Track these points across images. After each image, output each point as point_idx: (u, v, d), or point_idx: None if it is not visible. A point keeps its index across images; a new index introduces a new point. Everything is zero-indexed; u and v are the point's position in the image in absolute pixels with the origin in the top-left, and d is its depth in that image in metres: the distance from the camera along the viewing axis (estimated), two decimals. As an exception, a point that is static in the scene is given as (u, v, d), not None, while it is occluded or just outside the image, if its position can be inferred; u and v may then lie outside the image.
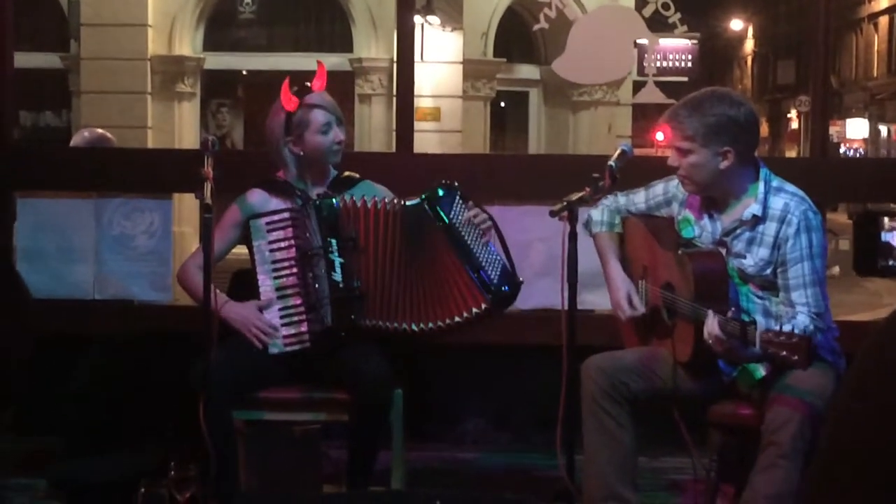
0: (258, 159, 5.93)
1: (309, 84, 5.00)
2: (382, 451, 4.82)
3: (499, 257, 4.87)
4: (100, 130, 7.51)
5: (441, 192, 4.91)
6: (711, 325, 4.22)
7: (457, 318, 4.82)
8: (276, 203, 4.97)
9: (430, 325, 4.84)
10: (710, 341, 4.24)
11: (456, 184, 4.94)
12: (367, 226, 4.88)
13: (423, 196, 4.93)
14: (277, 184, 5.03)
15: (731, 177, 4.54)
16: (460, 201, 4.90)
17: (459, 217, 4.87)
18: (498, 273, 4.82)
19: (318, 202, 4.91)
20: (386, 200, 4.94)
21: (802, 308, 4.41)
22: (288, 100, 4.95)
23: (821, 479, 1.59)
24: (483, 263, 4.82)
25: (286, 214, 4.91)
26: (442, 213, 4.87)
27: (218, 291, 4.67)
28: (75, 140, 7.40)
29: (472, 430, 6.41)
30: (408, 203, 4.93)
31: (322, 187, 5.03)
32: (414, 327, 4.85)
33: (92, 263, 6.26)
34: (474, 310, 4.80)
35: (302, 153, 4.96)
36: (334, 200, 4.92)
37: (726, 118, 4.48)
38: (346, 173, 5.14)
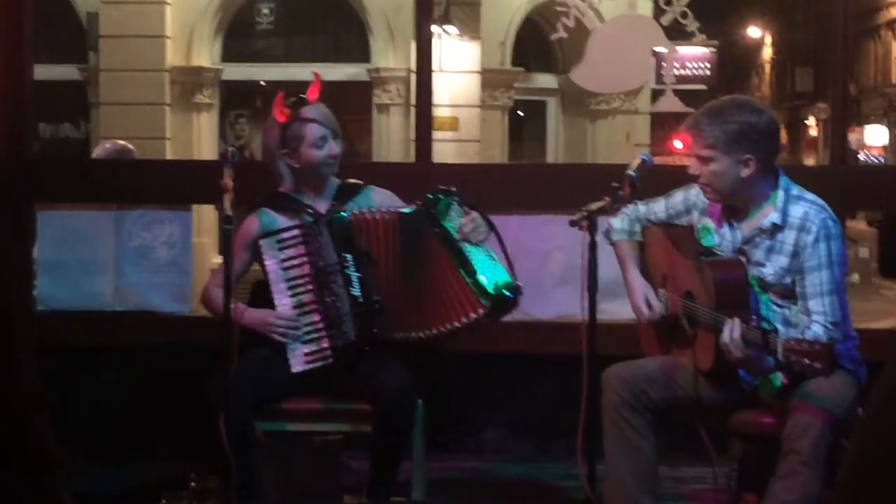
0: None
1: (304, 95, 5.00)
2: (403, 461, 4.82)
3: (497, 262, 4.85)
4: (121, 142, 7.53)
5: (438, 199, 4.90)
6: (734, 330, 4.22)
7: (456, 324, 4.80)
8: (283, 221, 4.95)
9: (432, 331, 4.83)
10: (730, 347, 4.23)
11: (454, 189, 4.93)
12: (374, 236, 4.88)
13: (421, 202, 4.93)
14: (283, 200, 5.02)
15: (752, 185, 4.53)
16: (457, 207, 4.89)
17: (456, 223, 4.86)
18: (495, 278, 4.80)
19: (329, 218, 4.91)
20: (383, 209, 4.93)
21: (819, 317, 4.39)
22: (279, 112, 4.95)
23: (848, 490, 1.58)
24: (480, 269, 4.80)
25: (296, 232, 4.89)
26: (439, 219, 4.86)
27: (238, 303, 4.69)
28: (97, 152, 7.43)
29: (492, 439, 6.40)
30: (405, 210, 4.93)
31: (323, 198, 5.02)
32: (419, 335, 4.85)
33: (112, 275, 6.27)
34: (472, 315, 4.78)
35: (297, 166, 4.96)
36: (344, 214, 4.91)
37: (748, 125, 4.47)
38: (350, 181, 5.13)
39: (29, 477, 1.59)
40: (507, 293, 4.79)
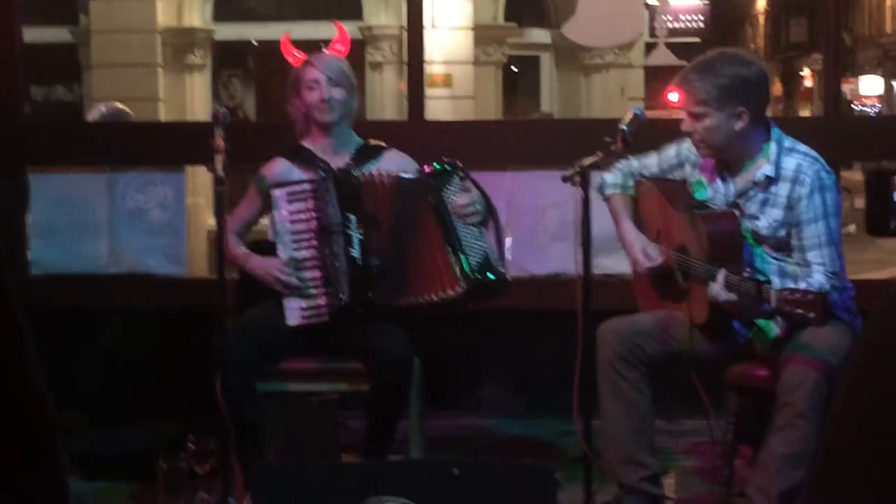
0: (270, 130, 5.93)
1: (339, 48, 5.11)
2: (401, 420, 4.83)
3: (485, 245, 4.84)
4: (118, 105, 7.50)
5: (441, 170, 4.89)
6: (719, 286, 4.23)
7: (433, 297, 4.80)
8: (298, 173, 4.96)
9: (409, 300, 4.83)
10: (720, 301, 4.25)
11: (459, 163, 4.91)
12: (377, 198, 4.88)
13: (422, 171, 4.92)
14: (301, 153, 5.02)
15: (745, 138, 4.53)
16: (458, 182, 4.88)
17: (453, 198, 4.85)
18: (479, 261, 4.79)
19: (339, 175, 4.90)
20: (383, 173, 4.92)
21: (819, 268, 4.40)
22: (288, 53, 5.01)
23: (833, 446, 1.57)
24: (466, 249, 4.79)
25: (307, 186, 4.89)
26: (437, 191, 4.85)
27: (242, 248, 4.79)
28: (92, 115, 7.42)
29: (489, 396, 6.41)
30: (404, 176, 4.92)
31: (341, 155, 5.01)
32: (395, 301, 4.85)
33: (106, 238, 6.26)
34: (449, 292, 4.78)
35: (304, 110, 4.98)
36: (356, 174, 4.91)
37: (739, 79, 4.46)
38: (372, 142, 5.12)
39: (30, 444, 1.59)
40: (490, 276, 4.79)
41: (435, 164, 4.90)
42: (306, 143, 5.04)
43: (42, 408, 1.60)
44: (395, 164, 5.01)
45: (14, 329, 1.57)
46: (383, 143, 5.12)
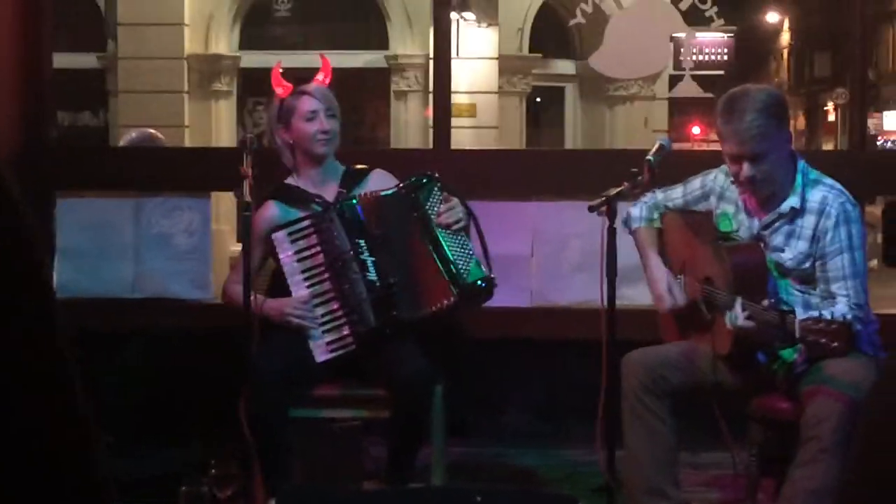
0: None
1: (321, 78, 5.06)
2: (423, 446, 4.83)
3: (471, 252, 4.86)
4: (151, 130, 7.50)
5: (419, 182, 4.91)
6: (736, 312, 4.24)
7: (432, 309, 4.82)
8: (293, 213, 4.96)
9: (425, 311, 4.85)
10: (737, 326, 4.25)
11: (437, 175, 4.93)
12: (378, 218, 4.89)
13: (401, 185, 4.94)
14: (291, 192, 5.03)
15: (783, 167, 4.53)
16: (438, 193, 4.89)
17: (435, 209, 4.87)
18: (468, 268, 4.81)
19: (338, 206, 4.91)
20: (369, 192, 4.93)
21: (843, 299, 4.39)
22: (278, 83, 4.99)
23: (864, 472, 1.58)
24: (453, 257, 4.82)
25: (307, 223, 4.89)
26: (418, 203, 4.87)
27: (257, 294, 4.70)
28: (124, 141, 7.42)
29: (512, 424, 6.40)
30: (385, 192, 4.93)
31: (329, 185, 5.02)
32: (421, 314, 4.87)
33: (132, 262, 6.28)
34: (445, 302, 4.80)
35: (291, 141, 4.98)
36: (353, 200, 4.92)
37: (776, 101, 4.50)
38: (357, 166, 5.14)
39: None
40: (479, 283, 4.81)
41: (411, 179, 4.93)
42: (291, 181, 5.05)
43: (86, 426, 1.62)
44: (383, 183, 5.03)
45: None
46: (366, 167, 5.14)
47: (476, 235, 4.91)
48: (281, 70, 5.13)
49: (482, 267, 4.85)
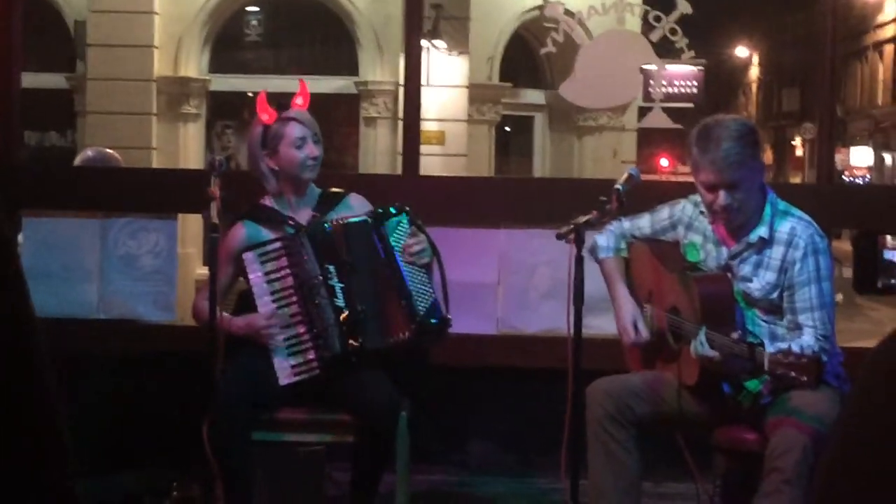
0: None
1: (300, 103, 5.03)
2: (386, 473, 4.81)
3: (431, 289, 4.86)
4: (107, 150, 7.47)
5: (387, 213, 4.91)
6: (699, 342, 4.25)
7: (391, 340, 4.82)
8: (266, 233, 4.95)
9: (389, 340, 4.85)
10: (700, 356, 4.26)
11: (407, 207, 4.93)
12: (346, 244, 4.89)
13: (370, 213, 4.94)
14: (265, 212, 5.02)
15: (752, 196, 4.55)
16: (406, 226, 4.89)
17: (401, 241, 4.87)
18: (426, 305, 4.83)
19: (310, 229, 4.90)
20: (341, 217, 4.93)
21: (809, 330, 4.40)
22: (264, 110, 4.96)
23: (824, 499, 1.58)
24: (413, 292, 4.82)
25: (278, 244, 4.88)
26: (384, 234, 4.87)
27: (224, 314, 4.68)
28: (78, 159, 7.37)
29: (477, 452, 6.39)
30: (353, 220, 4.92)
31: (305, 207, 5.01)
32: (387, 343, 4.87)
33: (97, 283, 6.26)
34: (401, 335, 4.81)
35: (277, 167, 4.96)
36: (326, 225, 4.91)
37: (749, 130, 4.52)
38: (332, 189, 5.13)
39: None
40: (433, 321, 4.82)
41: (379, 209, 4.93)
42: (266, 201, 5.04)
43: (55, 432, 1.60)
44: (359, 208, 5.02)
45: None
46: (341, 190, 5.13)
47: (438, 273, 4.90)
48: (266, 96, 5.09)
49: (439, 306, 4.84)
